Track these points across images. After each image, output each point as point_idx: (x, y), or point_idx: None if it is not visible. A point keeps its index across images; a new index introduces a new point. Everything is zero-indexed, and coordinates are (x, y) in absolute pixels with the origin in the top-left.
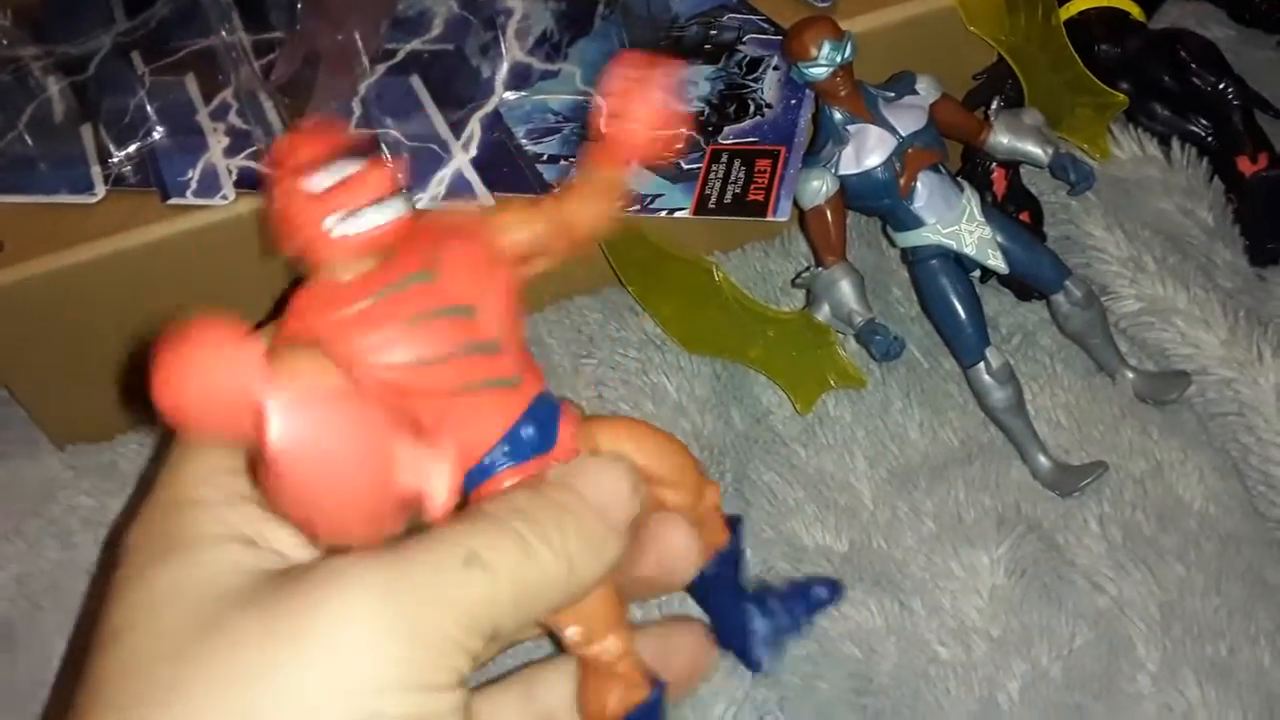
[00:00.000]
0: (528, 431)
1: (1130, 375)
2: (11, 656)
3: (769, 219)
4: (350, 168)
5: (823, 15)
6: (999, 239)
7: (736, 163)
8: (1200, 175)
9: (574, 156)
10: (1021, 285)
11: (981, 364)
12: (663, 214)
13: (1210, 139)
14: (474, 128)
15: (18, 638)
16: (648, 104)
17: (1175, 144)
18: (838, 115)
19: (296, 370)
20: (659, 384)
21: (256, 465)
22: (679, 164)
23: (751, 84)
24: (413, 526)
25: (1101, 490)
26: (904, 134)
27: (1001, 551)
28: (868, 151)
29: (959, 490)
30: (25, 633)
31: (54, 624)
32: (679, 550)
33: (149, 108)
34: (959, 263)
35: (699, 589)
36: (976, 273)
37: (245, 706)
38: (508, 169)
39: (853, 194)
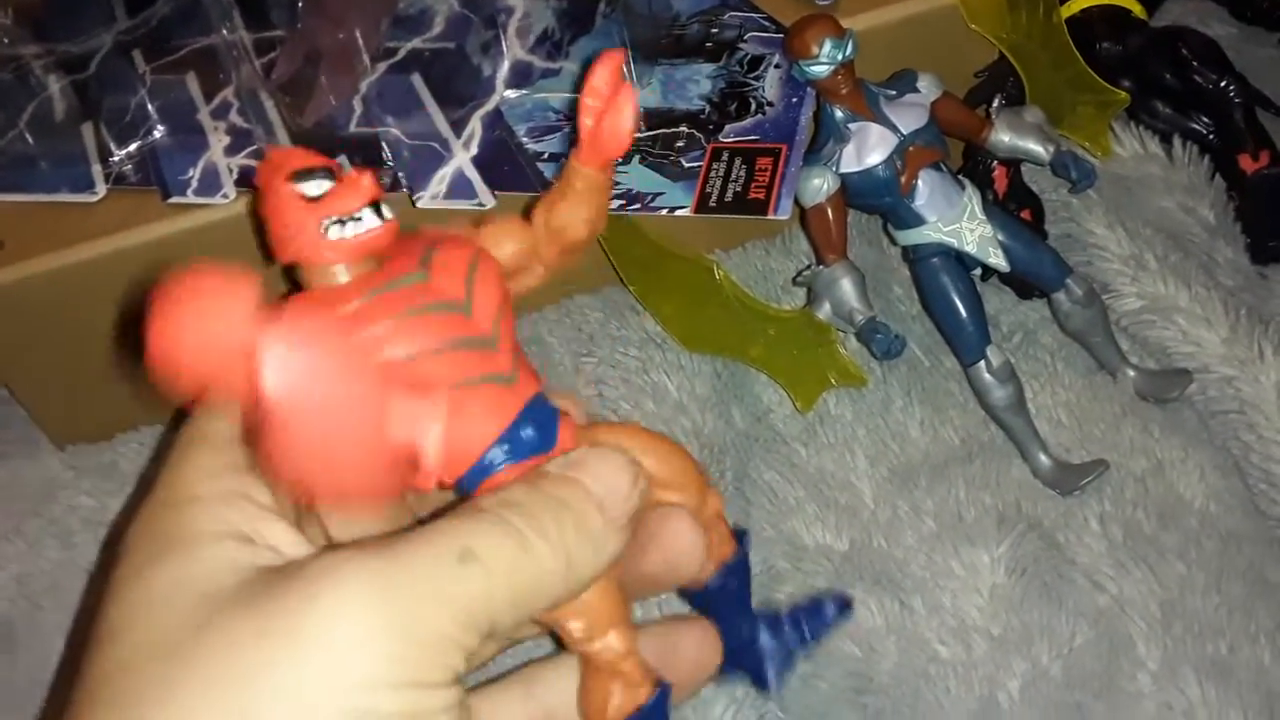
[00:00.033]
0: (527, 432)
1: (1131, 373)
2: (11, 657)
3: (770, 217)
4: (339, 176)
5: (824, 13)
6: (1000, 237)
7: (737, 161)
8: (1202, 173)
9: None
10: (1022, 283)
11: (982, 362)
12: (663, 212)
13: (1212, 137)
14: (475, 126)
15: (18, 638)
16: (629, 104)
17: (1177, 142)
18: (839, 113)
19: (291, 317)
20: (659, 382)
21: (252, 428)
22: (680, 162)
23: (753, 82)
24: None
25: (1102, 489)
26: (905, 132)
27: (1002, 550)
28: (869, 149)
29: (959, 489)
30: (25, 633)
31: (54, 624)
32: (684, 545)
33: (150, 106)
34: (960, 261)
35: (705, 603)
36: (977, 271)
37: (243, 706)
38: (509, 167)
39: (854, 192)
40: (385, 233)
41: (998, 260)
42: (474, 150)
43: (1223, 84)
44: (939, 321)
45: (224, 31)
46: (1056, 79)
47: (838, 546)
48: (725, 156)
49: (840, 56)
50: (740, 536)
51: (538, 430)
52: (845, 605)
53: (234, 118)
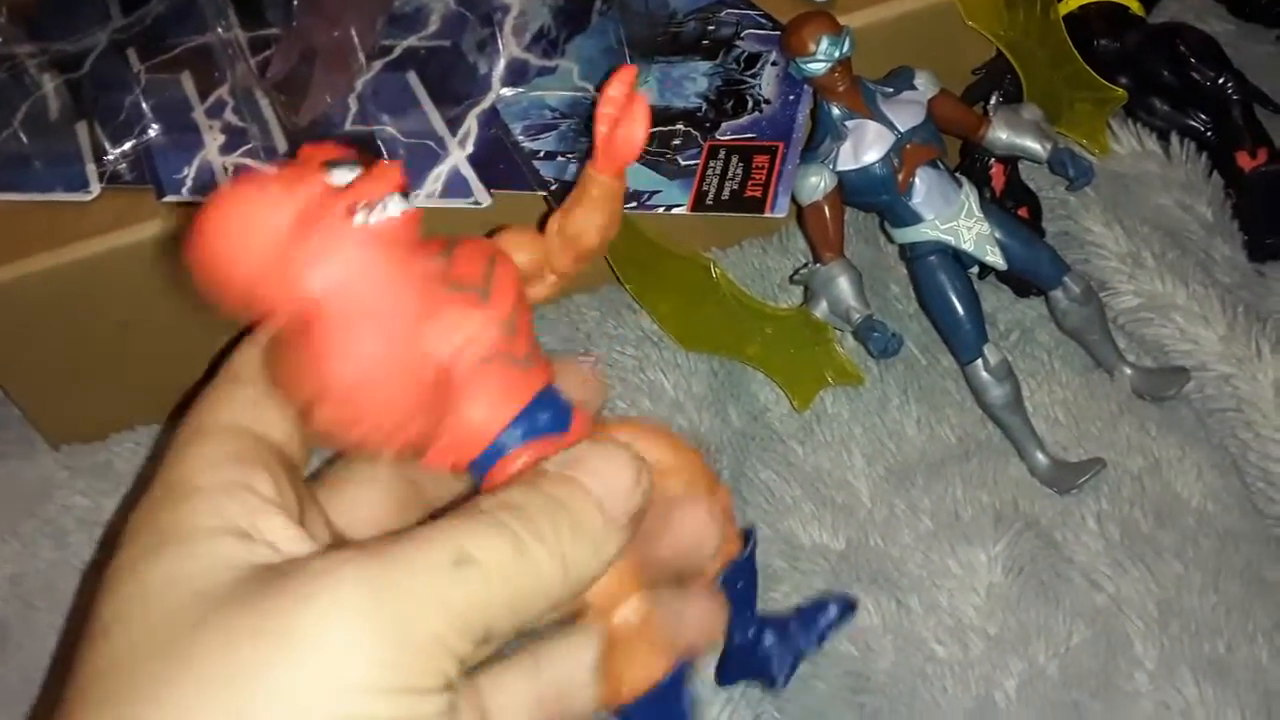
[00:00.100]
0: (543, 416)
1: (1128, 371)
2: (5, 656)
3: (767, 215)
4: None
5: (821, 10)
6: (997, 235)
7: (734, 159)
8: (1199, 170)
9: (571, 152)
10: (1020, 281)
11: (979, 360)
12: (660, 210)
13: (1209, 134)
14: (471, 124)
15: (12, 637)
16: (643, 113)
17: (1174, 139)
18: (836, 111)
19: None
20: (656, 381)
21: (278, 349)
22: (677, 160)
23: (749, 80)
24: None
25: (1099, 487)
26: (902, 129)
27: (999, 549)
28: (866, 147)
29: (956, 487)
30: (20, 632)
31: (48, 624)
32: (698, 530)
33: (144, 105)
34: (957, 259)
35: None
36: (975, 269)
37: (238, 706)
38: (505, 166)
39: (851, 190)
40: (411, 218)
41: (995, 258)
42: (470, 148)
43: (1221, 81)
44: (936, 320)
45: (219, 30)
46: (1054, 76)
47: (834, 545)
48: (722, 154)
49: (837, 54)
50: (746, 536)
51: (553, 415)
52: (849, 606)
53: (229, 116)
